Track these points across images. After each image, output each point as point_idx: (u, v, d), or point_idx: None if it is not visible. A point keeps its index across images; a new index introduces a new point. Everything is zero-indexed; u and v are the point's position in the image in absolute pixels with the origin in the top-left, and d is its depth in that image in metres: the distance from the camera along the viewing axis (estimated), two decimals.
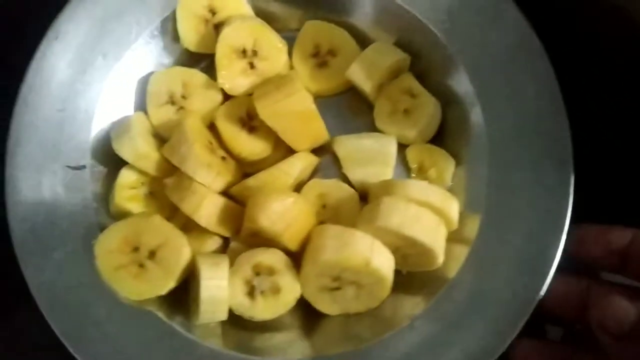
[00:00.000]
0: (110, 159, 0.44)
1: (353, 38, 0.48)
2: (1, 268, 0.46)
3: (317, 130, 0.44)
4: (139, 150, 0.42)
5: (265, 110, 0.42)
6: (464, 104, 0.45)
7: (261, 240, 0.42)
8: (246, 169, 0.46)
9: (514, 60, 0.43)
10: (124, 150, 0.43)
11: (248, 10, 0.47)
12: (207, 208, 0.41)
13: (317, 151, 0.46)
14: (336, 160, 0.47)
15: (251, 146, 0.44)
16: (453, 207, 0.42)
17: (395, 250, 0.41)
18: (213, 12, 0.46)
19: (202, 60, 0.48)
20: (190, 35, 0.46)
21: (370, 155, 0.45)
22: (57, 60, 0.44)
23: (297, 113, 0.42)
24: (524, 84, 0.43)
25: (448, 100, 0.46)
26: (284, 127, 0.43)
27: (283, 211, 0.40)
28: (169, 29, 0.47)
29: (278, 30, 0.47)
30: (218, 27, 0.46)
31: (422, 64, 0.47)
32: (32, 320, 0.41)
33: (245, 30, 0.44)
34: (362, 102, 0.48)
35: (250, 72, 0.45)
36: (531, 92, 0.43)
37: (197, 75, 0.46)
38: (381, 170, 0.44)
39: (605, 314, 0.36)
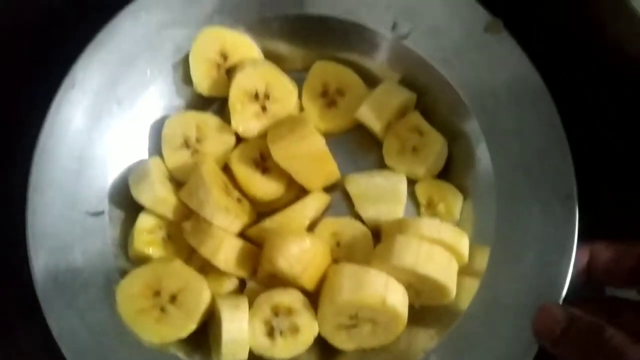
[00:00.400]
0: (127, 203, 0.45)
1: (359, 76, 0.49)
2: (1, 287, 0.46)
3: (329, 170, 0.45)
4: (158, 195, 0.43)
5: (280, 153, 0.43)
6: (470, 139, 0.46)
7: (278, 280, 0.43)
8: (260, 208, 0.47)
9: (517, 97, 0.45)
10: (143, 196, 0.44)
11: (258, 53, 0.48)
12: (226, 251, 0.42)
13: (327, 188, 0.48)
14: (346, 196, 0.48)
15: (265, 187, 0.45)
16: (464, 243, 0.43)
17: (408, 286, 0.42)
18: (225, 57, 0.47)
19: (214, 102, 0.49)
20: (203, 80, 0.47)
21: (382, 193, 0.46)
22: (74, 108, 0.45)
23: (310, 155, 0.44)
24: (528, 119, 0.44)
25: (454, 136, 0.48)
26: (297, 168, 0.44)
27: (300, 253, 0.41)
28: (181, 72, 0.48)
29: (285, 71, 0.48)
30: (229, 71, 0.47)
31: (428, 100, 0.49)
32: (32, 338, 0.41)
33: (257, 75, 0.46)
34: (370, 139, 0.49)
35: (262, 115, 0.46)
36: (535, 128, 0.44)
37: (210, 119, 0.47)
38: (393, 207, 0.46)
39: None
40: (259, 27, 0.48)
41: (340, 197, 0.48)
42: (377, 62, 0.49)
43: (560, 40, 0.48)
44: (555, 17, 0.48)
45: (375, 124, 0.46)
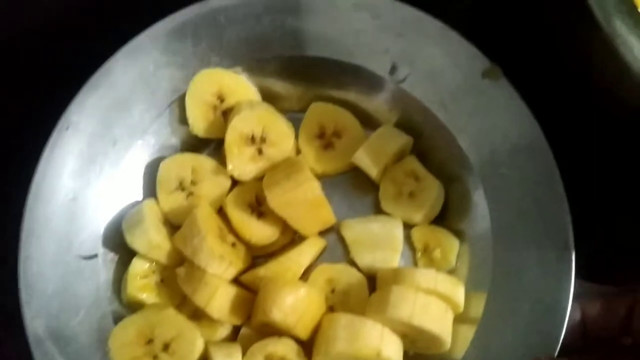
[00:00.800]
0: (120, 245, 0.45)
1: (356, 117, 0.49)
2: None
3: (324, 216, 0.45)
4: (152, 242, 0.43)
5: (276, 200, 0.43)
6: (467, 184, 0.46)
7: (272, 327, 0.42)
8: (254, 251, 0.46)
9: (514, 144, 0.44)
10: (137, 243, 0.43)
11: (255, 95, 0.48)
12: (219, 300, 0.42)
13: (322, 231, 0.47)
14: (341, 239, 0.48)
15: (260, 232, 0.45)
16: (459, 293, 0.43)
17: (403, 336, 0.42)
18: (221, 99, 0.46)
19: (210, 142, 0.49)
20: (199, 122, 0.46)
21: (378, 240, 0.45)
22: (69, 150, 0.44)
23: (306, 202, 0.43)
24: (525, 166, 0.44)
25: (450, 179, 0.47)
26: (293, 215, 0.44)
27: (295, 303, 0.41)
28: (176, 113, 0.47)
29: (282, 111, 0.48)
30: (226, 113, 0.47)
31: (425, 143, 0.48)
32: (20, 350, 0.41)
33: (253, 118, 0.45)
34: (366, 180, 0.49)
35: (258, 158, 0.46)
36: (532, 175, 0.44)
37: (206, 162, 0.46)
38: (389, 255, 0.45)
39: None
40: (257, 68, 0.48)
41: (335, 240, 0.48)
42: (375, 103, 0.49)
43: (558, 87, 0.48)
44: (554, 65, 0.48)
45: (372, 170, 0.46)
